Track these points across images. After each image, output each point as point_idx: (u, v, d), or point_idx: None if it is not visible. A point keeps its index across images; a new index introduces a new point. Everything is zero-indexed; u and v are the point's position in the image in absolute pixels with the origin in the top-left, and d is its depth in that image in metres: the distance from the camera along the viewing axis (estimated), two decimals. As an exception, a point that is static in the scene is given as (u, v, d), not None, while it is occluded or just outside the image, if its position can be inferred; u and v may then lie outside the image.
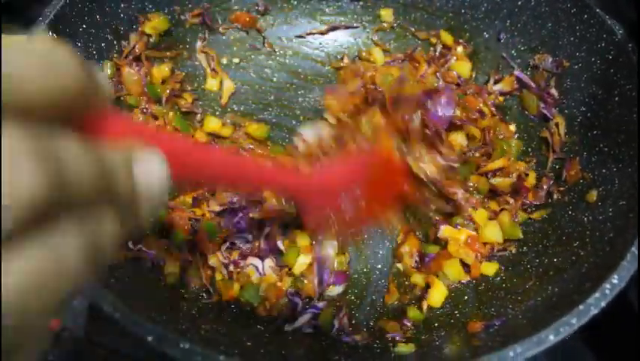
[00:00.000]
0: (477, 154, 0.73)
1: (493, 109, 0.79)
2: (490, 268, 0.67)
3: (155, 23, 0.80)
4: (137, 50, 0.79)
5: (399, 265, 0.71)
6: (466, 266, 0.67)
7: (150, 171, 0.21)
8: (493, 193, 0.73)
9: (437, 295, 0.65)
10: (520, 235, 0.69)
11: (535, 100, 0.78)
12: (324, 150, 0.71)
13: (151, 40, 0.80)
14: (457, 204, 0.69)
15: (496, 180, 0.72)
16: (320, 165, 0.65)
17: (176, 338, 0.43)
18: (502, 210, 0.72)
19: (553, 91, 0.76)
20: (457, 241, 0.68)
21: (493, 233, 0.69)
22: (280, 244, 0.69)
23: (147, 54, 0.80)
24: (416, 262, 0.70)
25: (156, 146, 0.22)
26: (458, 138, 0.74)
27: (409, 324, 0.63)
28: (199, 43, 0.86)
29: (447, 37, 0.86)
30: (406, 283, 0.69)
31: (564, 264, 0.61)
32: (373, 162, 0.64)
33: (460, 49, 0.85)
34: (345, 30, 0.93)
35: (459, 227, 0.69)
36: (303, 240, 0.69)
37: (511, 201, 0.72)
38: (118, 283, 0.54)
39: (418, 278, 0.68)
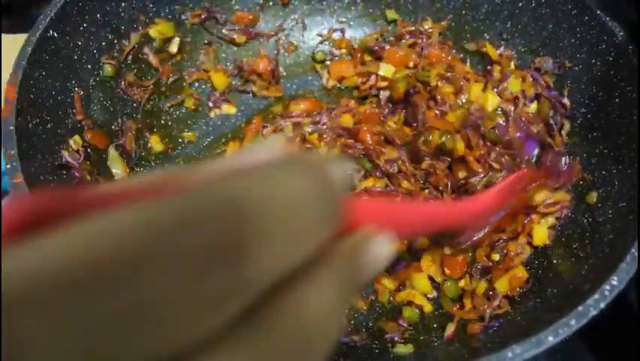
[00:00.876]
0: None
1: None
2: (452, 290, 0.65)
3: (160, 28, 0.80)
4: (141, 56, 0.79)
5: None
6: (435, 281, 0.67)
7: (381, 252, 0.21)
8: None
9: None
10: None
11: (547, 106, 0.74)
12: None
13: (154, 44, 0.80)
14: None
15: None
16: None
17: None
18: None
19: (566, 100, 0.74)
20: (431, 256, 0.66)
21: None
22: None
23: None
24: (387, 266, 0.68)
25: (387, 226, 0.22)
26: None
27: (405, 324, 0.63)
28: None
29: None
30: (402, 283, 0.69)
31: (563, 265, 0.61)
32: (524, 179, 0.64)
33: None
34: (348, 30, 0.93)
35: (436, 243, 0.67)
36: None
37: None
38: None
39: (386, 282, 0.67)
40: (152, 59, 0.80)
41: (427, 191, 0.72)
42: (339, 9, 0.91)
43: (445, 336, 0.61)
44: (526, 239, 0.66)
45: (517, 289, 0.62)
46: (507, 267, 0.63)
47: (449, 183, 0.70)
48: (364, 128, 0.72)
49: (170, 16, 0.83)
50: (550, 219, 0.67)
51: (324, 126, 0.75)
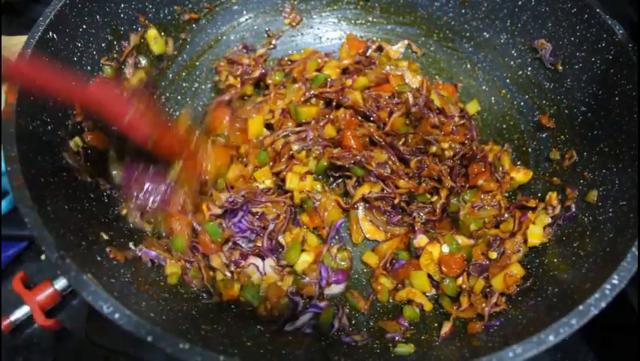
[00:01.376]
0: (491, 232, 0.69)
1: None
2: (450, 288, 0.66)
3: (154, 38, 0.80)
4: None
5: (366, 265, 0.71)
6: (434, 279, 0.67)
7: None
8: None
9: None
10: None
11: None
12: None
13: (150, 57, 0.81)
14: None
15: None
16: None
17: (176, 338, 0.43)
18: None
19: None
20: (429, 254, 0.67)
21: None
22: (281, 239, 0.69)
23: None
24: (385, 265, 0.70)
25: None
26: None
27: (406, 324, 0.64)
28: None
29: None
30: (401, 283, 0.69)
31: (564, 264, 0.61)
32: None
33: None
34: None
35: (434, 241, 0.68)
36: (311, 240, 0.70)
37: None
38: (118, 283, 0.54)
39: (385, 281, 0.68)
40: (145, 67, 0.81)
41: (424, 184, 0.72)
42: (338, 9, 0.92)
43: (441, 334, 0.61)
44: (522, 238, 0.66)
45: (514, 286, 0.62)
46: (504, 265, 0.64)
47: (442, 170, 0.72)
48: (347, 133, 0.74)
49: (169, 17, 0.83)
50: (546, 219, 0.67)
51: (311, 141, 0.76)
